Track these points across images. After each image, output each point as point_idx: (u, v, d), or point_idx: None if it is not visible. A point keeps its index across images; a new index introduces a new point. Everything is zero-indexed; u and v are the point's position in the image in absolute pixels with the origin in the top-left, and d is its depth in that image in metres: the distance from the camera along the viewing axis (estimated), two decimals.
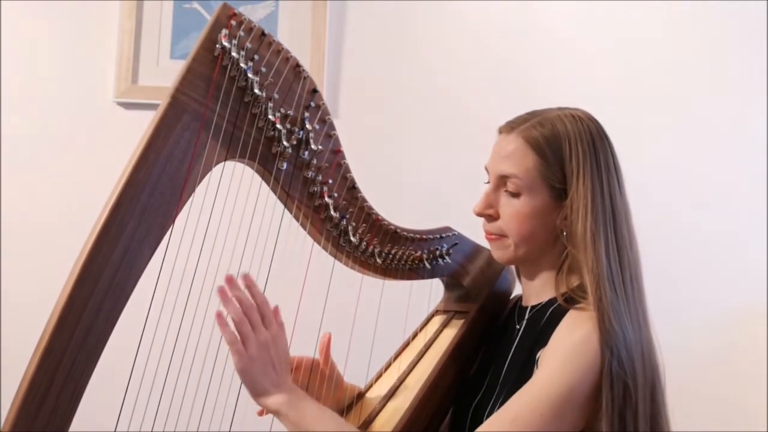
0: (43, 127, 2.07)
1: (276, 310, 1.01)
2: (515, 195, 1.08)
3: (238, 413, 0.98)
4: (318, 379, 1.15)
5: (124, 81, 2.10)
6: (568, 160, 1.05)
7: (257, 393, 0.96)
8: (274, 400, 0.96)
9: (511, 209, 1.08)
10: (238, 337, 0.95)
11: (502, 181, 1.09)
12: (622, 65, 2.21)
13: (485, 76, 2.16)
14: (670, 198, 2.14)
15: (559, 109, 1.12)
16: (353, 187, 1.10)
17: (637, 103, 2.18)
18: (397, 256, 1.14)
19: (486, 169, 1.13)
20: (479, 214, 1.12)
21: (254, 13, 2.16)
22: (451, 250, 1.21)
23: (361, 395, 1.19)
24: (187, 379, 0.99)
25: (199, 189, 0.94)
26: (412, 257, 1.16)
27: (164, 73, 2.09)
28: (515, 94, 2.08)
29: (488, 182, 1.13)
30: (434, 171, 2.10)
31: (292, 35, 2.12)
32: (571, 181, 1.05)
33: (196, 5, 2.15)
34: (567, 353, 0.97)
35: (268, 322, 0.98)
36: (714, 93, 2.20)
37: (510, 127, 1.11)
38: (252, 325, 0.96)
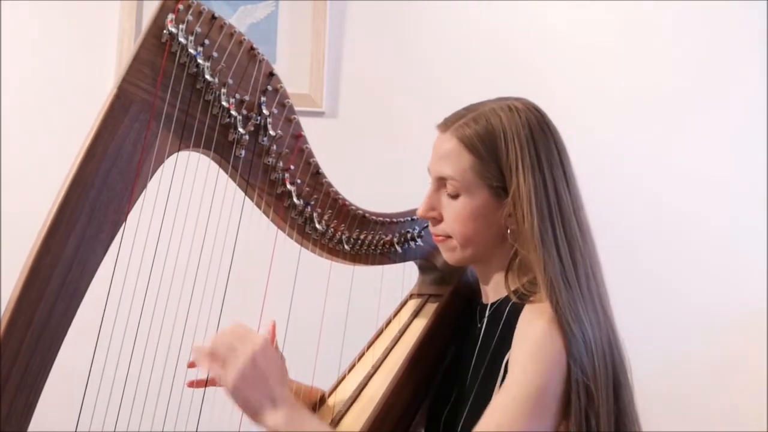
0: (43, 127, 2.01)
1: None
2: (454, 196, 1.00)
3: (204, 411, 0.91)
4: None
5: None
6: (504, 157, 0.96)
7: (253, 412, 0.83)
8: (273, 418, 0.83)
9: (452, 211, 1.00)
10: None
11: (441, 182, 1.02)
12: (622, 65, 2.12)
13: (486, 76, 2.08)
14: (669, 198, 2.07)
15: (498, 99, 1.03)
16: (317, 173, 1.02)
17: (637, 103, 2.10)
18: (366, 241, 1.07)
19: (428, 169, 1.05)
20: (422, 217, 1.04)
21: (254, 13, 2.08)
22: (423, 232, 1.13)
23: (338, 384, 1.11)
24: (149, 376, 0.92)
25: (154, 182, 0.87)
26: (382, 241, 1.10)
27: None
28: (516, 93, 1.98)
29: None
30: None
31: (292, 35, 2.05)
32: (510, 178, 0.96)
33: None
34: (531, 354, 0.88)
35: (249, 337, 0.85)
36: (714, 93, 2.11)
37: (445, 125, 1.03)
38: (229, 347, 0.84)
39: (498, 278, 1.03)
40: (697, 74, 2.11)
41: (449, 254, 1.04)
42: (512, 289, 0.99)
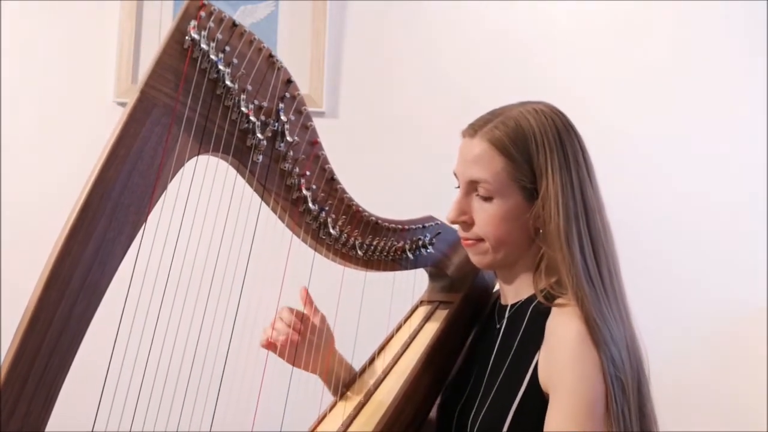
0: (43, 127, 2.02)
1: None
2: (487, 199, 1.01)
3: (218, 413, 0.91)
4: (309, 332, 1.11)
5: (124, 81, 2.04)
6: (535, 158, 0.98)
7: None
8: None
9: (485, 214, 1.02)
10: None
11: (472, 186, 1.03)
12: (623, 64, 2.14)
13: (486, 75, 2.10)
14: (670, 197, 2.08)
15: (521, 104, 1.05)
16: (332, 179, 1.03)
17: (638, 103, 2.12)
18: (379, 248, 1.08)
19: (455, 174, 1.07)
20: (453, 222, 1.05)
21: (254, 13, 2.10)
22: (434, 240, 1.15)
23: (348, 385, 1.12)
24: (165, 378, 0.93)
25: (173, 185, 0.88)
26: (394, 248, 1.10)
27: None
28: (516, 93, 1.99)
29: (458, 187, 1.06)
30: (434, 170, 2.02)
31: (292, 35, 2.06)
32: (541, 178, 0.98)
33: None
34: (574, 360, 0.90)
35: None
36: (714, 92, 2.14)
37: (473, 129, 1.04)
38: None
39: (522, 280, 1.04)
40: (698, 73, 2.13)
41: (480, 258, 1.05)
42: (539, 288, 1.00)
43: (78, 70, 2.04)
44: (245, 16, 2.07)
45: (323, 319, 1.15)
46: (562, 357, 0.91)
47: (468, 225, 1.04)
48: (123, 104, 2.01)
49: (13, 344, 0.78)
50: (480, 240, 1.03)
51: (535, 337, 0.95)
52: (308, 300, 1.13)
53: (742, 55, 2.15)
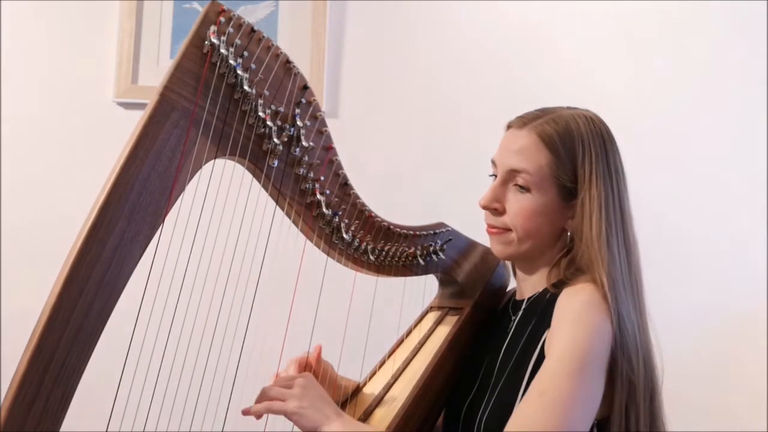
0: (43, 127, 2.05)
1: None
2: (524, 190, 1.05)
3: (231, 411, 0.95)
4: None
5: (124, 81, 2.07)
6: (581, 161, 1.03)
7: (314, 426, 0.97)
8: (331, 428, 0.97)
9: (519, 204, 1.06)
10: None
11: (511, 175, 1.07)
12: (622, 65, 2.18)
13: (485, 76, 2.14)
14: (669, 199, 2.12)
15: (569, 108, 1.10)
16: (346, 184, 1.07)
17: (637, 103, 2.16)
18: (390, 253, 1.12)
19: (493, 162, 1.11)
20: (485, 207, 1.09)
21: (254, 13, 2.14)
22: (445, 246, 1.18)
23: (357, 390, 1.17)
24: (179, 378, 0.97)
25: (190, 187, 0.92)
26: (405, 254, 1.14)
27: (164, 73, 2.05)
28: (515, 94, 2.06)
29: (493, 175, 1.10)
30: (433, 170, 2.08)
31: (292, 35, 2.10)
32: (583, 181, 1.03)
33: (196, 5, 2.13)
34: (573, 320, 0.95)
35: (295, 375, 1.02)
36: (713, 93, 2.18)
37: (522, 122, 1.08)
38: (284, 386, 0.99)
39: (542, 274, 1.09)
40: (697, 74, 2.18)
41: (503, 247, 1.09)
42: (552, 281, 1.05)
43: (78, 70, 2.08)
44: (245, 16, 2.09)
45: (325, 367, 1.17)
46: (563, 322, 0.96)
47: (498, 213, 1.08)
48: (123, 104, 2.06)
49: (32, 340, 0.81)
50: (507, 230, 1.07)
51: (545, 323, 1.00)
52: (318, 357, 1.16)
53: (742, 55, 2.18)
